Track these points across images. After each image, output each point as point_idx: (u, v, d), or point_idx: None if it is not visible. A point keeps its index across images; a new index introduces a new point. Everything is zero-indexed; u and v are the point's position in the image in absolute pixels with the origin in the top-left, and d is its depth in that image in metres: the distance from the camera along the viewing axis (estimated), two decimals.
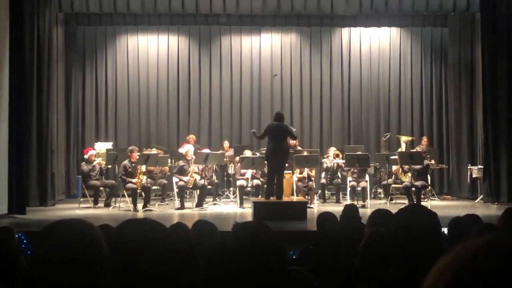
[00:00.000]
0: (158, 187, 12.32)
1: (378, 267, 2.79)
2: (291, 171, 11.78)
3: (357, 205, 11.25)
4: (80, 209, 11.55)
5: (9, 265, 2.70)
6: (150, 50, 14.97)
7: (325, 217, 4.95)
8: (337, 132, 15.01)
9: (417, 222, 2.04)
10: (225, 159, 12.80)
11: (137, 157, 11.51)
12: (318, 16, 13.88)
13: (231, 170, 13.15)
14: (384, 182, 12.83)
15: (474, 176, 12.77)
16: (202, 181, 11.60)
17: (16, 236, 5.29)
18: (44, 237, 1.73)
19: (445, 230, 5.02)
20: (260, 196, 11.38)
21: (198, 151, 12.33)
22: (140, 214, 10.85)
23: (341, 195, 12.46)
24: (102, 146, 13.53)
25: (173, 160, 12.87)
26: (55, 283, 1.64)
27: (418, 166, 11.51)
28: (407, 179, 11.80)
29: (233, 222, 2.70)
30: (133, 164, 11.53)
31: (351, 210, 5.53)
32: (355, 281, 2.74)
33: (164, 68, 14.98)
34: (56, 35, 12.95)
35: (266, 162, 10.62)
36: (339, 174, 12.53)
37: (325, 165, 12.46)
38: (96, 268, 1.66)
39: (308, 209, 10.20)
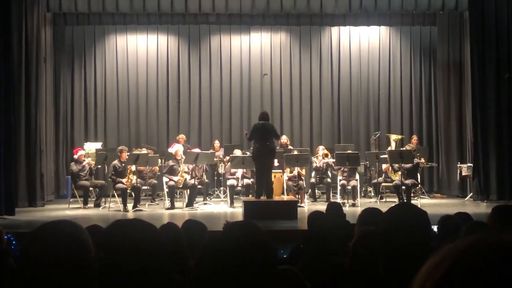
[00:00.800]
0: (148, 187, 12.29)
1: (368, 266, 2.79)
2: (281, 170, 11.78)
3: (348, 204, 11.38)
4: (70, 210, 11.50)
5: None
6: (139, 49, 14.92)
7: (315, 216, 4.95)
8: (327, 131, 15.03)
9: (407, 221, 2.05)
10: (215, 159, 12.78)
11: (127, 157, 11.47)
12: (308, 15, 13.91)
13: (221, 170, 13.13)
14: (374, 181, 12.86)
15: (463, 174, 12.84)
16: (192, 181, 11.59)
17: (5, 237, 5.25)
18: (32, 239, 1.72)
19: (434, 228, 5.04)
20: (250, 196, 11.38)
21: (188, 150, 12.31)
22: (130, 214, 10.81)
23: (331, 194, 12.47)
24: (92, 146, 13.47)
25: (163, 160, 12.84)
26: (43, 284, 1.63)
27: (408, 165, 11.55)
28: (397, 177, 11.84)
29: (224, 222, 2.69)
30: (123, 164, 11.48)
31: (334, 208, 5.53)
32: (345, 280, 2.74)
33: (153, 68, 14.94)
34: (44, 35, 12.87)
35: (253, 162, 10.60)
36: (329, 173, 12.55)
37: (314, 165, 12.48)
38: (84, 270, 1.66)
39: (298, 208, 10.20)
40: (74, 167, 12.04)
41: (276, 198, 10.66)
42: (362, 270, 2.81)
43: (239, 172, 12.02)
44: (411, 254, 1.93)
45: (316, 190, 12.89)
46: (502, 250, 0.73)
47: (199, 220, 4.40)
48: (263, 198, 10.13)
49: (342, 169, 12.14)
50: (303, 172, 12.28)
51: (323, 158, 12.45)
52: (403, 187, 11.44)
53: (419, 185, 12.35)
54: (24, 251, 1.74)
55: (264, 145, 10.11)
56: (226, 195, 12.28)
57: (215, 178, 13.56)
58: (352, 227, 4.57)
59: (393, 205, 2.47)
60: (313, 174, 12.60)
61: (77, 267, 1.65)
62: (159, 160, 12.52)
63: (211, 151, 12.91)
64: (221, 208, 11.66)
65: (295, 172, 11.93)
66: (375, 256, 2.48)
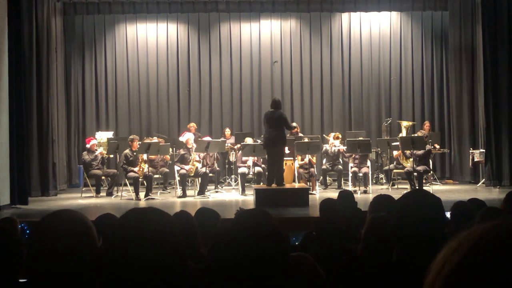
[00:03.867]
0: (160, 176, 12.33)
1: (380, 252, 2.79)
2: (292, 158, 11.78)
3: (359, 191, 11.37)
4: (82, 199, 11.57)
5: (13, 255, 2.71)
6: (149, 38, 14.92)
7: (327, 203, 4.95)
8: (338, 118, 14.99)
9: (420, 208, 2.04)
10: (226, 147, 12.79)
11: (138, 146, 11.51)
12: (318, 1, 13.82)
13: (232, 158, 13.15)
14: (386, 168, 12.83)
15: (476, 160, 12.76)
16: (203, 169, 11.61)
17: (19, 226, 5.29)
18: (38, 228, 1.74)
19: (447, 214, 5.02)
20: (262, 183, 11.39)
21: (199, 139, 12.33)
22: (142, 202, 10.88)
23: (342, 181, 12.46)
24: (103, 136, 13.53)
25: (174, 148, 12.88)
26: (51, 272, 1.65)
27: (420, 151, 11.49)
28: (408, 164, 11.79)
29: (237, 208, 2.70)
30: (134, 153, 11.53)
31: (346, 196, 5.53)
32: (356, 266, 2.74)
33: (163, 56, 14.94)
34: (54, 24, 12.90)
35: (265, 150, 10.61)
36: (340, 160, 12.52)
37: (324, 148, 12.44)
38: (90, 257, 1.67)
39: (310, 196, 10.21)
40: (86, 156, 12.11)
41: (287, 185, 10.68)
42: (374, 256, 2.81)
43: (250, 160, 12.03)
44: (425, 240, 1.92)
45: (328, 177, 12.87)
46: None
47: (212, 208, 4.42)
48: (274, 185, 10.15)
49: (353, 156, 12.12)
50: (314, 159, 12.27)
51: (334, 139, 12.41)
52: (415, 174, 11.40)
53: (431, 172, 12.29)
54: (32, 240, 1.76)
55: (272, 133, 10.10)
56: (238, 183, 12.31)
57: (226, 166, 13.58)
58: (363, 214, 4.58)
59: (405, 192, 2.46)
60: (324, 161, 12.58)
61: (83, 254, 1.67)
62: (170, 149, 12.55)
63: (222, 139, 12.93)
64: (232, 196, 11.69)
65: (306, 160, 11.92)
66: (387, 242, 2.48)
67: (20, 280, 2.32)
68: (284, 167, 10.78)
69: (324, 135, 13.25)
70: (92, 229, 1.75)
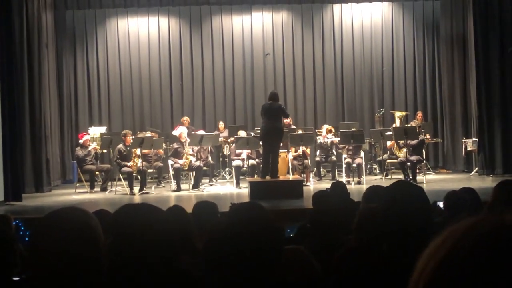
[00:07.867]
0: (154, 170, 12.32)
1: (371, 245, 2.80)
2: (286, 150, 11.79)
3: (353, 182, 11.39)
4: (77, 194, 11.55)
5: (7, 253, 2.70)
6: (141, 32, 14.86)
7: (320, 195, 4.96)
8: (331, 109, 15.00)
9: (405, 198, 2.05)
10: (220, 140, 12.78)
11: (132, 140, 11.49)
12: None
13: (226, 151, 13.15)
14: (379, 158, 12.86)
15: (468, 149, 12.81)
16: (197, 163, 11.61)
17: (14, 223, 5.28)
18: (42, 226, 1.74)
19: (440, 204, 5.05)
20: (256, 176, 11.40)
21: (193, 132, 12.31)
22: (137, 197, 10.86)
23: (336, 172, 12.48)
24: (96, 131, 13.49)
25: (167, 142, 12.86)
26: (54, 271, 1.65)
27: (413, 141, 11.53)
28: (402, 154, 11.83)
29: (230, 204, 2.70)
30: (128, 148, 11.51)
31: (339, 188, 5.55)
32: (351, 258, 2.75)
33: (155, 50, 14.89)
34: (45, 19, 12.82)
35: (260, 142, 10.62)
36: (334, 151, 12.54)
37: (318, 141, 12.46)
38: (93, 256, 1.67)
39: (304, 187, 10.22)
40: (79, 152, 12.07)
41: (281, 177, 10.68)
42: (367, 247, 2.82)
43: (244, 153, 12.03)
44: (413, 231, 1.94)
45: (321, 169, 12.89)
46: (503, 232, 0.73)
47: (210, 201, 4.42)
48: (268, 178, 10.15)
49: (346, 147, 12.14)
50: (308, 151, 12.28)
51: (327, 133, 12.43)
52: (408, 164, 11.44)
53: (424, 161, 12.33)
54: (34, 239, 1.75)
55: (270, 125, 10.09)
56: (232, 176, 12.31)
57: (220, 159, 13.58)
58: (356, 205, 4.60)
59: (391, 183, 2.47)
60: (318, 152, 12.60)
61: (87, 253, 1.67)
62: (164, 143, 12.53)
63: (216, 132, 12.92)
64: (227, 189, 11.70)
65: (300, 152, 11.93)
66: (378, 233, 2.50)
67: (14, 279, 2.32)
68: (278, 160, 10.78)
69: (316, 129, 13.27)
70: (96, 228, 1.73)
